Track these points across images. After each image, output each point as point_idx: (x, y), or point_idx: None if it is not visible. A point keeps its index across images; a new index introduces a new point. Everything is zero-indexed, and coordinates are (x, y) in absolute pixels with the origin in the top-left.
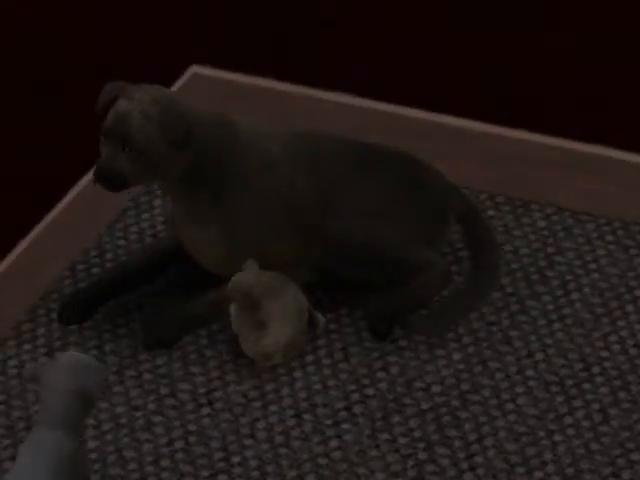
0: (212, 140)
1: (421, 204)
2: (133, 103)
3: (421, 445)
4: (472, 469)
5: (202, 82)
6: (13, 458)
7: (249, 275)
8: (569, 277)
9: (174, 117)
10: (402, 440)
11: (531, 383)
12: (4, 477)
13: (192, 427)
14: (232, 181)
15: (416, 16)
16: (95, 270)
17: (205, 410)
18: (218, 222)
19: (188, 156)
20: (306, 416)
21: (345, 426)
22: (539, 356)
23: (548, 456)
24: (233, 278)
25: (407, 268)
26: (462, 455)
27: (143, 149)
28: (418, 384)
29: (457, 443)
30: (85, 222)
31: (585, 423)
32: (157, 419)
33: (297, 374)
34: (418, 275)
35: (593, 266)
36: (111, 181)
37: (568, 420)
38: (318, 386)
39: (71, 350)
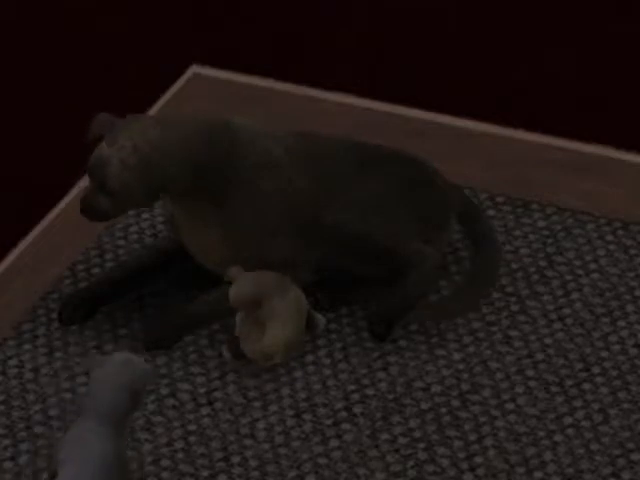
0: (210, 147)
1: (421, 203)
2: (113, 149)
3: (421, 445)
4: (472, 469)
5: (202, 82)
6: (13, 458)
7: (246, 282)
8: (569, 277)
9: (151, 167)
10: (402, 440)
11: (531, 383)
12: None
13: (192, 427)
14: (232, 181)
15: (416, 16)
16: (95, 270)
17: (205, 410)
18: (218, 222)
19: (179, 184)
20: (306, 416)
21: (345, 426)
22: (539, 356)
23: (548, 456)
24: (231, 291)
25: (402, 260)
26: (462, 455)
27: (119, 194)
28: (418, 384)
29: (457, 443)
30: (85, 222)
31: (585, 423)
32: (157, 419)
33: (297, 374)
34: (413, 267)
35: (593, 266)
36: (93, 216)
37: (568, 420)
38: (318, 386)
39: (121, 350)
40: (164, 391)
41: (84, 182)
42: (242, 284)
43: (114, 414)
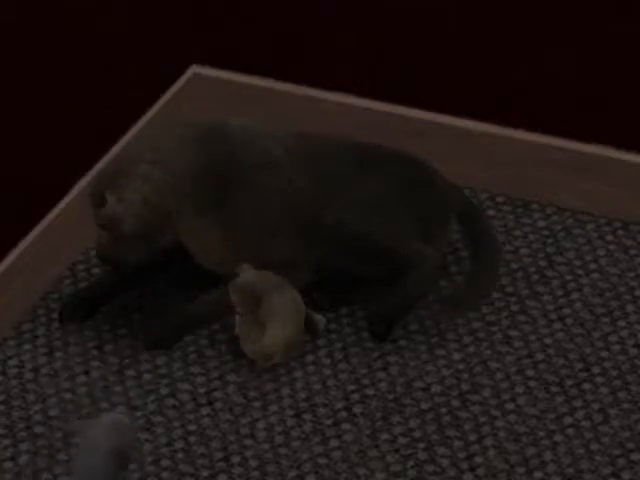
0: (209, 151)
1: (421, 203)
2: (124, 206)
3: (421, 445)
4: (472, 469)
5: (202, 82)
6: (13, 458)
7: (249, 274)
8: (569, 277)
9: (163, 210)
10: (402, 440)
11: (531, 383)
12: None
13: (192, 427)
14: (232, 182)
15: (416, 16)
16: (95, 270)
17: (205, 410)
18: (218, 222)
19: (186, 202)
20: (306, 416)
21: (345, 426)
22: (539, 356)
23: (548, 456)
24: (231, 283)
25: (402, 260)
26: (462, 455)
27: (138, 241)
28: (418, 384)
29: (457, 443)
30: (85, 222)
31: (585, 423)
32: (157, 419)
33: (297, 374)
34: (413, 267)
35: (593, 266)
36: (116, 266)
37: (568, 420)
38: (318, 386)
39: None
40: (164, 391)
41: (84, 182)
42: (244, 277)
43: (106, 477)
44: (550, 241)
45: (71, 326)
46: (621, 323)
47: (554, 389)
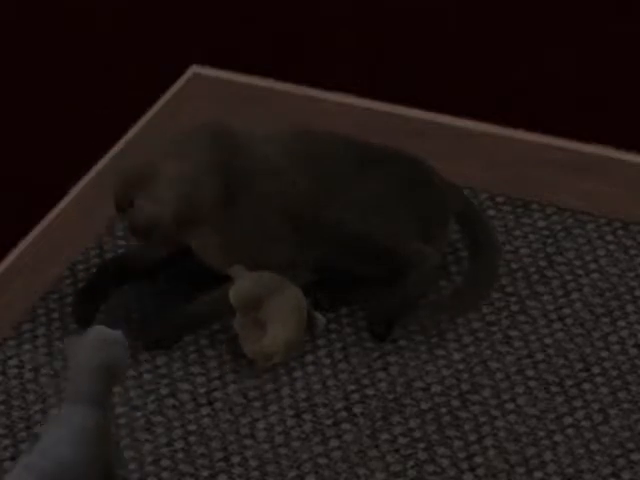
0: (210, 155)
1: (421, 203)
2: (160, 205)
3: (421, 445)
4: (472, 469)
5: (202, 82)
6: (13, 458)
7: (246, 281)
8: (569, 277)
9: (197, 209)
10: (402, 440)
11: (531, 383)
12: (34, 447)
13: (192, 427)
14: (231, 187)
15: (416, 16)
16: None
17: (205, 410)
18: (218, 227)
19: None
20: (306, 416)
21: (345, 426)
22: (539, 356)
23: (548, 456)
24: (231, 291)
25: (402, 260)
26: (462, 455)
27: (171, 237)
28: (418, 384)
29: (457, 443)
30: (85, 222)
31: (585, 423)
32: (157, 419)
33: (297, 374)
34: (412, 267)
35: (593, 266)
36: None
37: (568, 420)
38: (318, 386)
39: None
40: (164, 391)
41: (84, 182)
42: (243, 284)
43: (89, 393)
44: (550, 241)
45: (71, 326)
46: (621, 323)
47: (554, 389)
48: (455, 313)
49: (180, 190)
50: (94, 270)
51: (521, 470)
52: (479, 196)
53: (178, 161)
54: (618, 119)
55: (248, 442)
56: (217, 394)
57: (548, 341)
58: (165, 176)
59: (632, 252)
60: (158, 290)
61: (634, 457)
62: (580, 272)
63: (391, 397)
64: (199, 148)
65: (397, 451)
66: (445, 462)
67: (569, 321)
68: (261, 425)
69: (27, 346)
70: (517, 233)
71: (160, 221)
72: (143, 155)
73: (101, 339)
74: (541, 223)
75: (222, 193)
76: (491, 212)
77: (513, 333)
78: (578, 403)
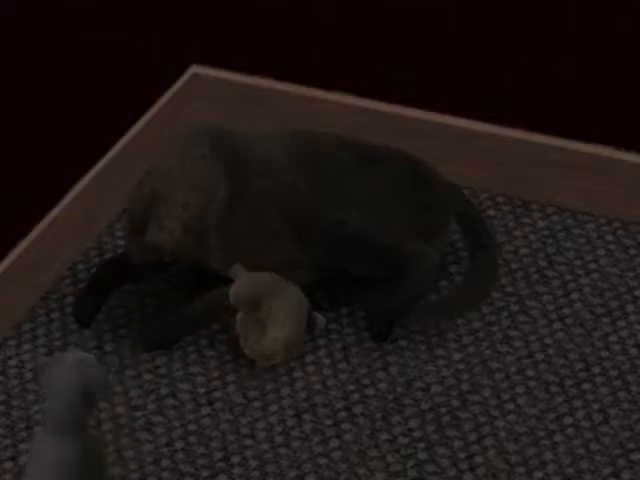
0: (210, 157)
1: (421, 203)
2: (165, 234)
3: (421, 445)
4: (472, 469)
5: (202, 82)
6: (13, 458)
7: (245, 282)
8: (569, 277)
9: (200, 239)
10: (402, 440)
11: (531, 383)
12: None
13: (192, 427)
14: (233, 187)
15: (416, 16)
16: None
17: (205, 410)
18: (220, 227)
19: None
20: (306, 416)
21: (345, 426)
22: (539, 356)
23: (548, 456)
24: (231, 291)
25: (402, 260)
26: (462, 455)
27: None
28: (418, 384)
29: (457, 443)
30: (85, 222)
31: (585, 423)
32: (157, 419)
33: (297, 374)
34: (413, 267)
35: (593, 266)
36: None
37: (568, 420)
38: (318, 386)
39: (72, 349)
40: (164, 391)
41: (84, 182)
42: (242, 284)
43: (68, 419)
44: (550, 241)
45: (71, 326)
46: (621, 323)
47: (554, 389)
48: (455, 313)
49: (187, 222)
50: (94, 270)
51: (521, 470)
52: (479, 196)
53: (189, 191)
54: (618, 119)
55: (248, 442)
56: (217, 394)
57: (548, 341)
58: (176, 205)
59: (632, 252)
60: (158, 290)
61: (634, 457)
62: (580, 272)
63: (391, 397)
64: (200, 152)
65: (397, 451)
66: (445, 462)
67: (569, 321)
68: (261, 425)
69: (27, 346)
70: (517, 233)
71: (163, 248)
72: (151, 180)
73: (80, 363)
74: (541, 223)
75: (227, 204)
76: (491, 212)
77: (513, 333)
78: (578, 403)
